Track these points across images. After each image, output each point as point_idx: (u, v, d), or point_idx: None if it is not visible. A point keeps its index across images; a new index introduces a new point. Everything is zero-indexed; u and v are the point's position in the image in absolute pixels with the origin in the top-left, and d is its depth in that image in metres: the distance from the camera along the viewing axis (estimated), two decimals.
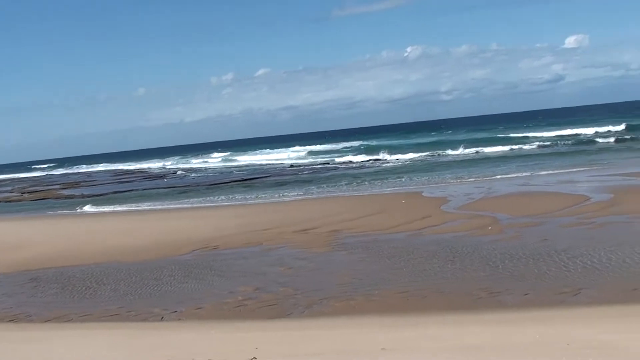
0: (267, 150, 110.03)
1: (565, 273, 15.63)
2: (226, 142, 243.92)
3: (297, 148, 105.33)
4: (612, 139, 65.71)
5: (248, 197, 41.07)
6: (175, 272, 19.50)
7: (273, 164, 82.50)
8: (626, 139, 64.63)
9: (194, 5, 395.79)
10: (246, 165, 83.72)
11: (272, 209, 33.17)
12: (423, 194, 32.98)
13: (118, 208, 42.16)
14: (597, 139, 67.28)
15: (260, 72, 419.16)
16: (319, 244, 21.66)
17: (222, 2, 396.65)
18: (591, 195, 26.83)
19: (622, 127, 77.11)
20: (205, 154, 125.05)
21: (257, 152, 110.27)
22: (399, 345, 11.24)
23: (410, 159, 65.43)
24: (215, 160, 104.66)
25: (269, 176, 59.20)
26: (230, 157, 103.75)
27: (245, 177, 59.77)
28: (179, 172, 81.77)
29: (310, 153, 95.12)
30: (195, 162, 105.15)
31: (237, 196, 42.04)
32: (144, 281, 18.66)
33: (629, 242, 17.96)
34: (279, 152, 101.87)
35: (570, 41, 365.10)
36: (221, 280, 18.03)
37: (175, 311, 15.42)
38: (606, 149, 58.12)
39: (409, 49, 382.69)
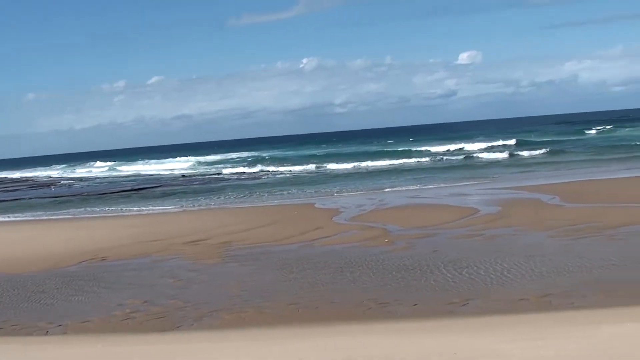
0: (159, 160, 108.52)
1: (454, 284, 15.86)
2: (117, 150, 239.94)
3: (189, 158, 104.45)
4: (502, 154, 67.43)
5: (138, 207, 40.36)
6: (62, 284, 18.93)
7: (164, 173, 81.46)
8: (516, 154, 66.40)
9: (86, 10, 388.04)
10: (136, 175, 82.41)
11: (163, 219, 32.70)
12: (315, 205, 33.09)
13: (1, 219, 40.79)
14: (488, 154, 68.96)
15: (154, 79, 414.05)
16: (210, 256, 21.42)
17: (114, 8, 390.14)
18: (480, 208, 27.42)
19: (512, 142, 79.51)
20: (92, 162, 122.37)
21: (148, 161, 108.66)
22: (289, 357, 11.17)
23: (304, 170, 65.67)
24: (101, 169, 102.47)
25: (159, 186, 58.41)
26: (117, 167, 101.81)
27: (135, 187, 58.79)
28: (62, 182, 79.68)
29: (203, 163, 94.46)
30: (81, 171, 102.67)
31: (127, 206, 41.26)
32: (28, 294, 18.03)
33: (516, 254, 18.40)
34: (171, 162, 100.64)
35: (464, 57, 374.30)
36: (109, 293, 17.59)
37: (61, 325, 14.95)
38: (496, 163, 59.64)
39: (304, 61, 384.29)
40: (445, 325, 12.84)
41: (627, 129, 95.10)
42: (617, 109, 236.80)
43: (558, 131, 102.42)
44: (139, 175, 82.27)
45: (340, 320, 13.63)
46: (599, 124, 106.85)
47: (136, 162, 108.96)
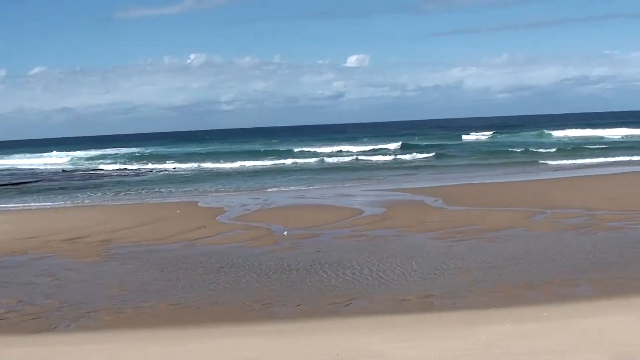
0: (38, 154, 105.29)
1: (337, 284, 15.89)
2: None
3: (70, 152, 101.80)
4: (388, 156, 68.27)
5: (14, 202, 39.05)
6: None
7: (43, 168, 79.24)
8: (401, 157, 67.29)
9: None
10: (13, 169, 79.75)
11: (40, 215, 31.73)
12: (199, 204, 32.72)
13: None
14: (374, 156, 69.67)
15: (35, 70, 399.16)
16: (89, 254, 20.86)
17: None
18: (364, 209, 27.64)
19: (398, 145, 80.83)
20: None
21: (26, 154, 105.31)
22: (168, 358, 10.95)
23: (188, 168, 64.92)
24: None
25: (38, 181, 56.75)
26: None
27: (13, 181, 56.94)
28: None
29: (84, 158, 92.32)
30: None
31: (2, 202, 39.86)
32: None
33: (399, 255, 18.60)
34: (50, 156, 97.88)
35: (352, 60, 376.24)
36: None
37: None
38: (382, 165, 60.30)
39: (192, 56, 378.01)
40: (328, 325, 12.84)
41: (506, 135, 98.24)
42: (500, 115, 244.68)
43: (442, 135, 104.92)
44: (16, 169, 79.66)
45: (222, 322, 13.45)
46: (482, 130, 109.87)
47: (13, 155, 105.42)
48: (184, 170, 63.52)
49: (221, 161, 68.97)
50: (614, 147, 68.58)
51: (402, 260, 17.87)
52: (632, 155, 57.23)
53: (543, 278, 15.69)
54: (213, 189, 41.71)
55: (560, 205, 26.28)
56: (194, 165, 67.46)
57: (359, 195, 33.92)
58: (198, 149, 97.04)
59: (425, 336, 11.61)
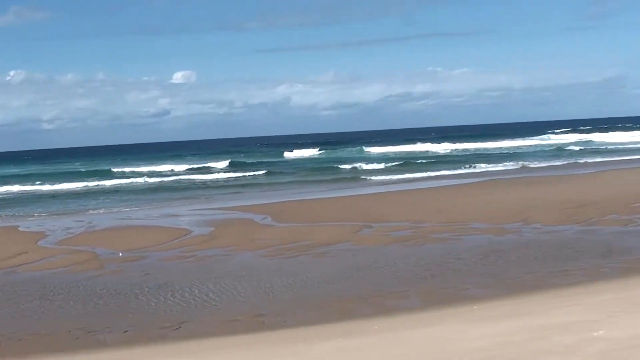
0: None
1: (166, 307, 15.59)
2: None
3: None
4: (215, 174, 67.75)
5: None
6: None
7: None
8: (229, 175, 66.94)
9: None
10: None
11: None
12: (19, 228, 31.33)
13: None
14: (200, 174, 68.96)
15: None
16: None
17: None
18: (192, 229, 27.30)
19: (225, 163, 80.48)
20: None
21: None
22: None
23: (6, 192, 62.07)
24: None
25: None
26: None
27: None
28: None
29: None
30: None
31: None
32: None
33: (228, 275, 18.48)
34: None
35: (178, 77, 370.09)
36: None
37: None
38: (209, 183, 59.72)
39: (11, 73, 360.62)
40: (157, 351, 12.60)
41: (332, 151, 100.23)
42: (326, 131, 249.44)
43: (270, 152, 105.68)
44: None
45: (46, 352, 12.93)
46: (308, 146, 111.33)
47: None
48: (1, 193, 60.80)
49: (43, 183, 66.51)
50: (438, 161, 71.00)
51: (231, 280, 17.73)
52: (455, 169, 59.54)
53: (372, 291, 15.95)
54: (33, 213, 40.08)
55: (386, 219, 26.85)
56: (13, 187, 64.69)
57: (186, 215, 33.51)
58: (16, 170, 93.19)
59: (256, 356, 11.52)
